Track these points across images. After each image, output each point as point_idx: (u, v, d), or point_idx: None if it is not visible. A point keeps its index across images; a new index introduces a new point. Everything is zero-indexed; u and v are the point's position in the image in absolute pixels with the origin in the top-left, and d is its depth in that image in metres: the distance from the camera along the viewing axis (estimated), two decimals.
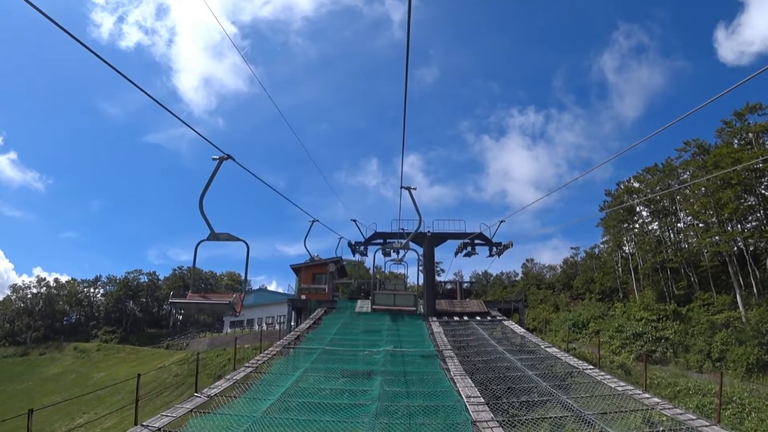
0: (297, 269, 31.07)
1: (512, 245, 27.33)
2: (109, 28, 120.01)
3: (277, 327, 47.18)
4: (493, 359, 16.37)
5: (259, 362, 15.24)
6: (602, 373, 13.97)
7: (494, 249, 27.83)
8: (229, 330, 61.94)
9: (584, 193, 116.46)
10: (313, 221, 10.38)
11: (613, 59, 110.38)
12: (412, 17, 5.25)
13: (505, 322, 24.31)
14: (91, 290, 76.37)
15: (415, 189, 14.51)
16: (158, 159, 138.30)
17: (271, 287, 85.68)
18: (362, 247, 27.29)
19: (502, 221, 26.94)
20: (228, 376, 13.35)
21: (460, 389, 12.07)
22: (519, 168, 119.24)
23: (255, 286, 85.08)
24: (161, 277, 75.50)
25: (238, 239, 5.60)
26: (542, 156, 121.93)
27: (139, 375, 10.81)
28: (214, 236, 6.87)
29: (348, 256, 30.60)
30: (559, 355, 16.52)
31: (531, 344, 18.94)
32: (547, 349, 17.77)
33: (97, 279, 76.66)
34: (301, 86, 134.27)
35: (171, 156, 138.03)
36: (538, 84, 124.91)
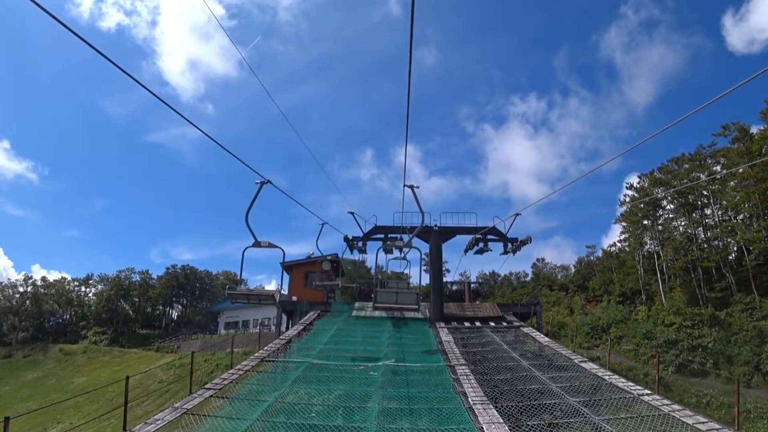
0: (288, 267, 27.93)
1: (531, 241, 24.26)
2: (89, 8, 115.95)
3: (273, 329, 44.30)
4: (517, 378, 13.19)
5: (226, 382, 12.11)
6: (666, 402, 10.78)
7: (509, 245, 24.75)
8: (223, 331, 59.02)
9: (588, 186, 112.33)
10: (263, 183, 7.44)
11: (620, 35, 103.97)
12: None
13: (524, 329, 21.16)
14: (83, 289, 73.68)
15: (417, 187, 14.43)
16: (160, 158, 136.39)
17: (270, 287, 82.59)
18: (360, 243, 24.18)
19: (517, 214, 24.02)
20: (177, 404, 10.23)
21: (484, 427, 8.92)
22: (521, 159, 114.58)
23: (252, 286, 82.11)
24: (154, 276, 72.61)
25: None
26: (545, 146, 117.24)
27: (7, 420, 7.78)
28: None
29: (345, 253, 27.49)
30: (600, 374, 13.32)
31: (561, 357, 15.75)
32: (583, 365, 14.57)
33: (88, 277, 73.93)
34: (291, 70, 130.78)
35: (173, 155, 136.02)
36: (540, 67, 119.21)
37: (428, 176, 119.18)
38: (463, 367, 13.97)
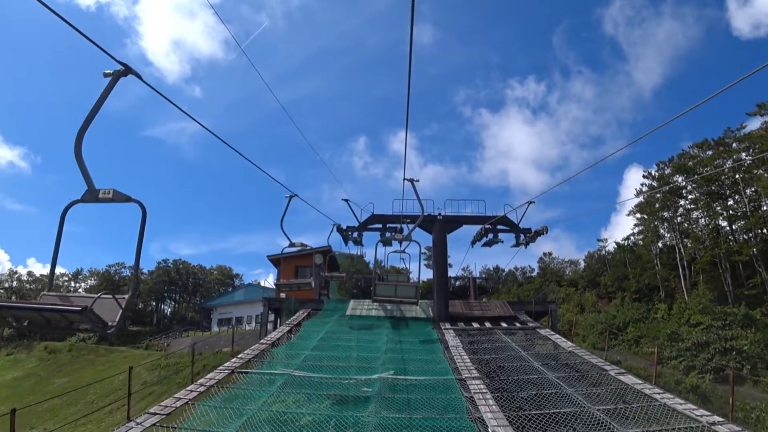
0: (276, 261, 25.39)
1: (547, 231, 21.69)
2: None
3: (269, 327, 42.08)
4: (545, 396, 10.62)
5: (179, 403, 9.55)
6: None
7: (522, 237, 22.22)
8: (216, 328, 56.79)
9: (587, 177, 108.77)
10: (118, 72, 4.57)
11: (624, 9, 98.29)
12: None
13: (542, 331, 18.61)
14: (72, 284, 71.47)
15: (417, 181, 14.41)
16: (159, 153, 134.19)
17: (266, 284, 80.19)
18: (356, 233, 21.65)
19: (531, 202, 21.60)
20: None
21: None
22: (520, 145, 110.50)
23: (247, 281, 79.73)
24: (146, 271, 70.26)
25: None
26: (546, 132, 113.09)
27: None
28: None
29: (337, 246, 24.98)
30: (647, 391, 10.77)
31: (592, 369, 13.15)
32: (621, 377, 12.03)
33: (78, 272, 71.74)
34: (279, 51, 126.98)
35: (171, 150, 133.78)
36: (539, 46, 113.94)
37: (424, 164, 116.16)
38: (477, 382, 11.40)
